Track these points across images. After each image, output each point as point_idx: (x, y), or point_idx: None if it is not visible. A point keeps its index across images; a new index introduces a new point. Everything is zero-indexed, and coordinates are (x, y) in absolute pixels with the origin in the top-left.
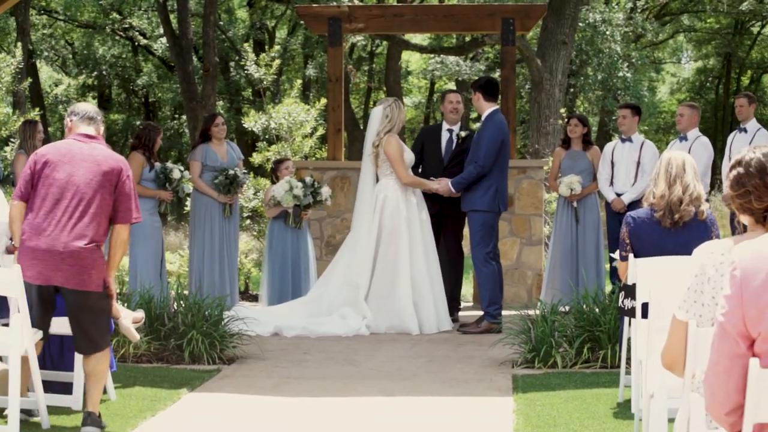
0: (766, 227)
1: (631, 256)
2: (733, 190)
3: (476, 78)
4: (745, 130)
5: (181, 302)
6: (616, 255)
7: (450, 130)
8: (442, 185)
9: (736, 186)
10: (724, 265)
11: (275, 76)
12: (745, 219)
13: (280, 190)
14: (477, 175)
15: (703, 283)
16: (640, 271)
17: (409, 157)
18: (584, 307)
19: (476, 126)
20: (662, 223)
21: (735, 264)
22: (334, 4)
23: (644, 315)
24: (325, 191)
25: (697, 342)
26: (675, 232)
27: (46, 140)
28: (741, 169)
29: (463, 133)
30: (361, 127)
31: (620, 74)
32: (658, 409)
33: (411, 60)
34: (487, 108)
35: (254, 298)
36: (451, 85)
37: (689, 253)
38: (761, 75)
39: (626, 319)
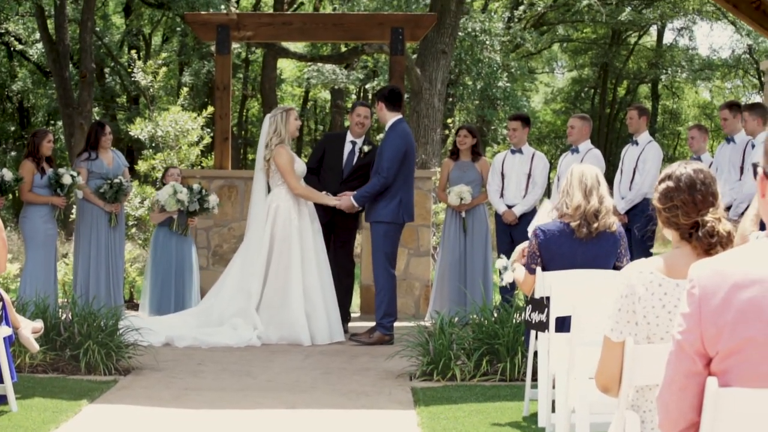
0: (692, 244)
1: (539, 269)
2: (661, 203)
3: (353, 87)
4: (637, 143)
5: (75, 312)
6: (501, 262)
7: (353, 142)
8: (344, 202)
9: (663, 199)
10: (654, 284)
11: (161, 83)
12: (668, 233)
13: (164, 194)
14: (381, 187)
15: (633, 303)
16: (554, 284)
17: (300, 168)
18: (481, 319)
19: (379, 138)
20: (576, 234)
21: (694, 282)
22: (223, 10)
23: (557, 328)
24: (213, 199)
25: (634, 359)
26: (586, 244)
27: None
28: (671, 183)
29: (366, 148)
30: (236, 135)
31: (499, 84)
32: (581, 424)
33: (286, 68)
34: (391, 118)
35: (137, 307)
36: (327, 94)
37: (599, 266)
38: (638, 85)
39: (532, 332)
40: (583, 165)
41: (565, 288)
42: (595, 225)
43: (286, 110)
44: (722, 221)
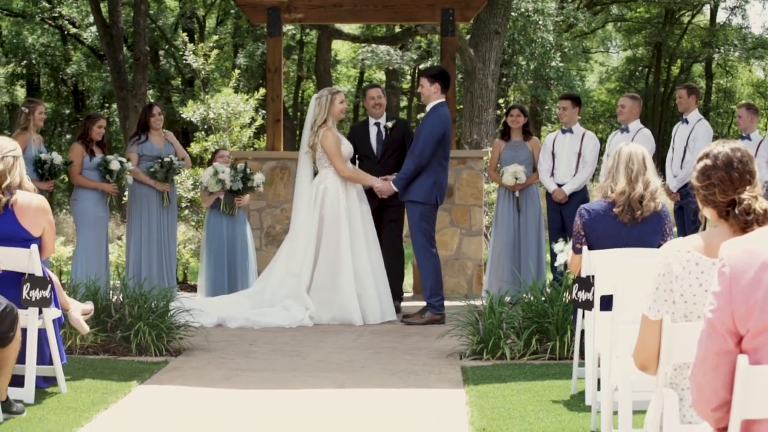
0: (728, 222)
1: (585, 248)
2: (699, 181)
3: (408, 68)
4: (687, 121)
5: (126, 294)
6: (559, 246)
7: (377, 124)
8: (384, 186)
9: (701, 177)
10: (691, 263)
11: (213, 66)
12: (707, 212)
13: (206, 175)
14: (415, 168)
15: (671, 281)
16: (598, 263)
17: (347, 149)
18: (531, 298)
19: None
20: (620, 218)
21: (724, 261)
22: None
23: (602, 307)
24: (258, 177)
25: (671, 337)
26: (631, 225)
27: None
28: (708, 161)
29: (389, 124)
30: (291, 117)
31: (552, 64)
32: (623, 402)
33: (341, 49)
34: (434, 99)
35: (192, 288)
36: (381, 75)
37: (644, 245)
38: (691, 64)
39: (579, 311)
40: (631, 146)
41: (609, 267)
42: (639, 212)
43: (332, 92)
44: (759, 199)
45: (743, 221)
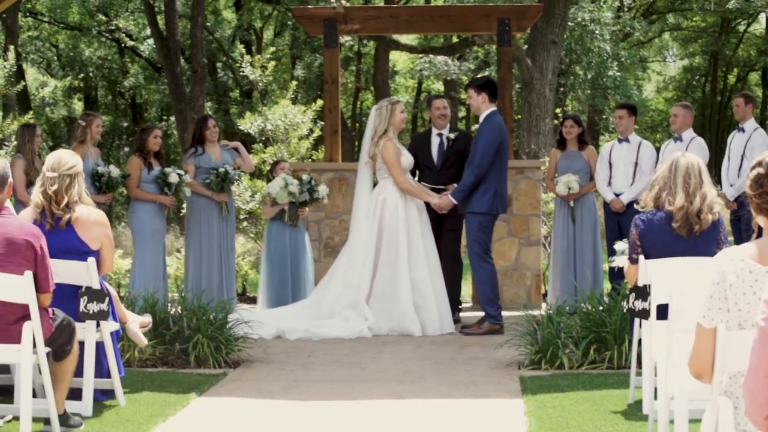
0: None
1: (641, 257)
2: (752, 189)
3: (466, 78)
4: (743, 130)
5: (185, 306)
6: (616, 260)
7: (440, 134)
8: (443, 201)
9: (754, 186)
10: (745, 271)
11: (269, 78)
12: (761, 220)
13: (275, 186)
14: (476, 178)
15: (725, 290)
16: (654, 272)
17: (407, 160)
18: (589, 307)
19: (472, 128)
20: (677, 232)
21: None
22: (332, 3)
23: (658, 316)
24: (323, 189)
25: (726, 345)
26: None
27: None
28: (761, 170)
29: (452, 135)
30: (349, 128)
31: (610, 73)
32: (679, 411)
33: (399, 60)
34: (486, 109)
35: (251, 300)
36: (440, 85)
37: (699, 253)
38: (748, 73)
39: (636, 320)
40: (688, 156)
41: (665, 276)
42: (697, 226)
43: (392, 103)
44: None
45: None
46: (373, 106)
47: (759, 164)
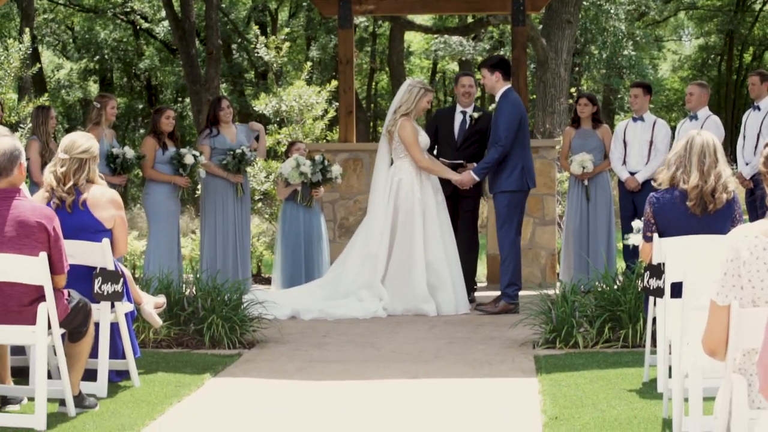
0: None
1: (656, 236)
2: (765, 166)
3: (480, 58)
4: (759, 108)
5: (199, 287)
6: (631, 238)
7: (463, 112)
8: (465, 177)
9: (767, 163)
10: (759, 248)
11: (284, 59)
12: None
13: (287, 167)
14: (500, 157)
15: (739, 267)
16: (668, 250)
17: (424, 140)
18: (604, 286)
19: (492, 107)
20: (692, 211)
21: None
22: None
23: (673, 294)
24: (336, 169)
25: (739, 322)
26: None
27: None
28: None
29: (476, 114)
30: (365, 109)
31: (625, 52)
32: (693, 389)
33: (413, 40)
34: (501, 87)
35: (266, 281)
36: (455, 66)
37: (714, 231)
38: (763, 52)
39: (651, 298)
40: (703, 135)
41: (679, 254)
42: (712, 205)
43: (425, 88)
44: None
45: None
46: (407, 80)
47: None
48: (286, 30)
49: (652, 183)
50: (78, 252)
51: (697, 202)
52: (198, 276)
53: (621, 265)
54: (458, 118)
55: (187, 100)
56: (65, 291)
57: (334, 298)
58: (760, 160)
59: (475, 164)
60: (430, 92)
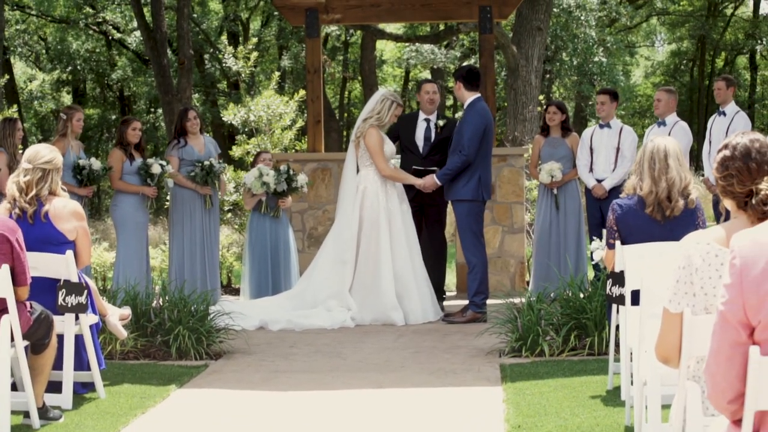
0: (747, 213)
1: (618, 243)
2: (718, 172)
3: (453, 66)
4: (724, 114)
5: (166, 298)
6: (595, 244)
7: (427, 120)
8: (427, 181)
9: (720, 168)
10: (711, 255)
11: (252, 69)
12: (727, 203)
13: (250, 177)
14: (462, 165)
15: (691, 274)
16: (628, 258)
17: (390, 149)
18: (570, 294)
19: (456, 115)
20: (653, 217)
21: (734, 253)
22: None
23: (633, 302)
24: (302, 178)
25: (692, 330)
26: (663, 221)
27: (24, 138)
28: (727, 152)
29: (440, 122)
30: (337, 118)
31: (596, 59)
32: (652, 397)
33: (386, 49)
34: (469, 97)
35: (236, 292)
36: (427, 74)
37: (676, 239)
38: (735, 57)
39: (614, 306)
40: (657, 141)
41: (638, 261)
42: (669, 210)
43: (397, 103)
44: None
45: (760, 212)
46: (379, 90)
47: (725, 147)
48: (254, 40)
49: (619, 192)
50: (41, 264)
51: (655, 208)
52: (164, 287)
53: (591, 273)
54: (422, 126)
55: (160, 110)
56: (28, 303)
57: (301, 308)
58: (713, 166)
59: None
60: (400, 107)
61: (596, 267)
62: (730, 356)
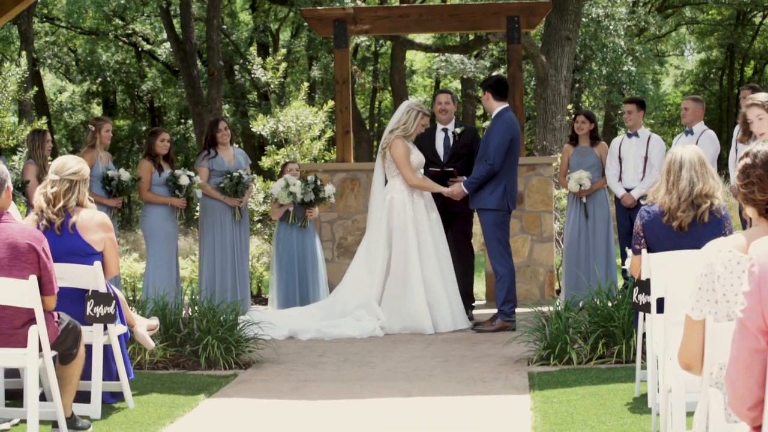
0: None
1: (643, 251)
2: (739, 180)
3: (483, 76)
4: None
5: (195, 308)
6: (627, 263)
7: (444, 129)
8: (455, 188)
9: (741, 176)
10: (733, 262)
11: (282, 80)
12: (749, 210)
13: (277, 187)
14: (488, 174)
15: (713, 281)
16: (653, 266)
17: (417, 158)
18: (598, 302)
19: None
20: (669, 226)
21: (753, 260)
22: (339, 5)
23: (659, 310)
24: (329, 189)
25: (714, 337)
26: (686, 232)
27: (54, 149)
28: (748, 160)
29: (458, 130)
30: (368, 128)
31: (625, 68)
32: (677, 404)
33: (415, 59)
34: (497, 107)
35: (266, 302)
36: (457, 84)
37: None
38: (764, 65)
39: (641, 314)
40: (678, 150)
41: (664, 269)
42: (676, 222)
43: (423, 113)
44: None
45: None
46: (405, 101)
47: (746, 155)
48: (283, 51)
49: (641, 201)
50: (69, 275)
51: (670, 216)
52: (193, 297)
53: (621, 281)
54: (440, 136)
55: (190, 121)
56: (56, 313)
57: (331, 318)
58: (735, 174)
59: (464, 177)
60: (427, 116)
61: (624, 275)
62: (749, 363)
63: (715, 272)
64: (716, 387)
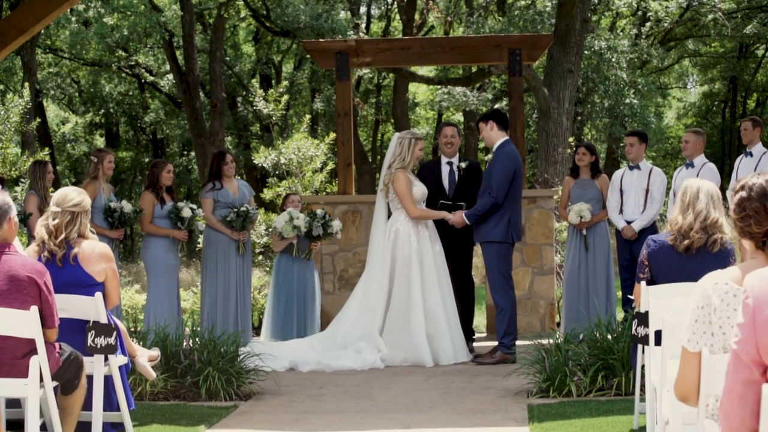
0: (765, 253)
1: (643, 283)
2: (735, 213)
3: (485, 108)
4: (751, 154)
5: (196, 339)
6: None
7: (450, 163)
8: (456, 217)
9: (737, 209)
10: (729, 295)
11: (284, 112)
12: (746, 243)
13: (280, 221)
14: (491, 207)
15: (709, 314)
16: (652, 298)
17: (420, 190)
18: (597, 335)
19: (486, 158)
20: (675, 248)
21: (747, 292)
22: (351, 36)
23: (657, 342)
24: (336, 224)
25: (710, 369)
26: (691, 258)
27: (56, 180)
28: (743, 193)
29: (463, 164)
30: (370, 160)
31: (627, 101)
32: None
33: (418, 91)
34: (498, 139)
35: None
36: (459, 116)
37: None
38: (767, 98)
39: (639, 346)
40: (694, 180)
41: (662, 301)
42: (688, 240)
43: (415, 138)
44: None
45: None
46: (395, 134)
47: (742, 188)
48: (285, 83)
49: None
50: (70, 306)
51: (677, 237)
52: (194, 329)
53: (621, 314)
54: (445, 169)
55: (193, 153)
56: (57, 344)
57: (332, 350)
58: (731, 207)
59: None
60: (420, 140)
61: (624, 307)
62: (742, 394)
63: (712, 304)
64: (712, 419)
